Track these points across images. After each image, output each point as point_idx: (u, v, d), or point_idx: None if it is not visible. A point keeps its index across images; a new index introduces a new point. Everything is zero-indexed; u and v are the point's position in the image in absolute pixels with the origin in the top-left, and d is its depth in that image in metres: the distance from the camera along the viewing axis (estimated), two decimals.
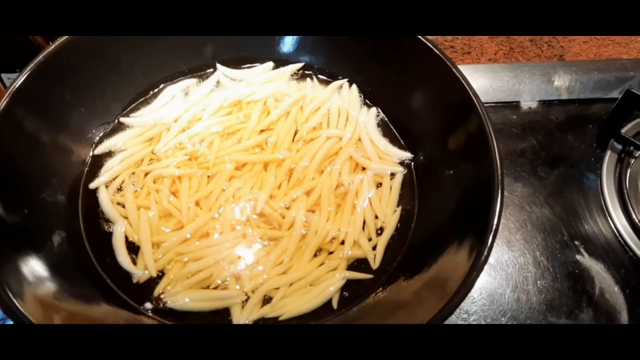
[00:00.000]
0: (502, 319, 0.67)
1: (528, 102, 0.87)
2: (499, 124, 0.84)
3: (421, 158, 0.68)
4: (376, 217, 0.64)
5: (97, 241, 0.61)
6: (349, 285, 0.60)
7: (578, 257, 0.72)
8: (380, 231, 0.64)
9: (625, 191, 0.75)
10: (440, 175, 0.64)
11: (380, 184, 0.67)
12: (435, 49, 0.63)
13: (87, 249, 0.60)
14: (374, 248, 0.62)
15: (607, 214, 0.75)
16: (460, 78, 0.61)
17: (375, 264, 0.61)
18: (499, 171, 0.53)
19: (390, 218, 0.64)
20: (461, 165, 0.61)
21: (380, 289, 0.59)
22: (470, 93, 0.58)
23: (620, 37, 1.00)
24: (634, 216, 0.73)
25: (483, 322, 0.67)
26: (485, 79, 0.88)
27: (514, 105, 0.87)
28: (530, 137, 0.84)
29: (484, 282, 0.70)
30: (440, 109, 0.65)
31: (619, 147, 0.80)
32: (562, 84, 0.88)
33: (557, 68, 0.90)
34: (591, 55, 0.97)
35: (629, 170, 0.78)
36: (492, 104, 0.85)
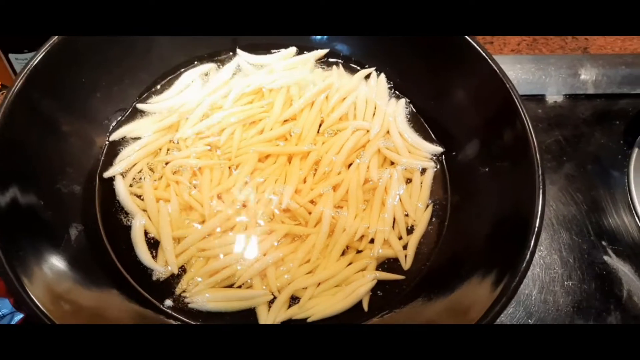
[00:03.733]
0: (529, 321, 0.66)
1: (554, 96, 0.84)
2: None
3: (453, 153, 0.65)
4: (406, 214, 0.62)
5: (115, 235, 0.58)
6: (380, 285, 0.57)
7: (605, 257, 0.70)
8: (410, 230, 0.61)
9: None
10: (474, 173, 0.61)
11: (410, 180, 0.64)
12: (471, 40, 0.61)
13: (105, 243, 0.57)
14: (405, 247, 0.60)
15: (634, 213, 0.74)
16: (499, 73, 0.58)
17: (407, 265, 0.59)
18: (541, 178, 0.51)
19: (422, 216, 0.62)
20: (497, 163, 0.59)
21: (414, 296, 0.56)
22: (514, 95, 0.55)
23: None
24: None
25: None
26: (511, 71, 0.84)
27: (539, 99, 0.84)
28: (556, 132, 0.81)
29: None
30: (476, 105, 0.62)
31: None
32: (588, 77, 0.86)
33: (583, 61, 0.87)
34: (616, 48, 0.95)
35: None
36: None
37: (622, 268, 0.70)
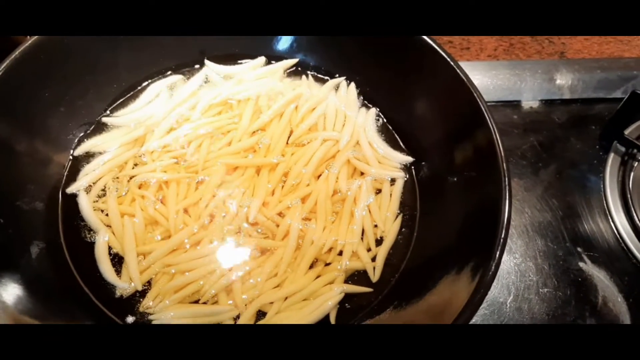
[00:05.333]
0: None
1: (529, 102, 0.84)
2: (500, 123, 0.80)
3: (423, 163, 0.65)
4: (375, 225, 0.61)
5: (79, 252, 0.57)
6: (348, 298, 0.57)
7: (581, 264, 0.70)
8: (380, 241, 0.61)
9: (628, 195, 0.73)
10: (443, 182, 0.60)
11: (380, 190, 0.63)
12: (438, 48, 0.60)
13: (67, 261, 0.56)
14: (374, 259, 0.59)
15: (610, 218, 0.73)
16: (467, 83, 0.57)
17: (375, 277, 0.58)
18: (507, 190, 0.51)
19: (391, 227, 0.61)
20: (465, 173, 0.58)
21: (384, 307, 0.55)
22: (481, 104, 0.55)
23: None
24: (637, 221, 0.70)
25: None
26: (486, 77, 0.84)
27: (514, 105, 0.84)
28: (531, 138, 0.81)
29: None
30: (444, 113, 0.61)
31: (622, 149, 0.78)
32: (564, 82, 0.86)
33: (559, 66, 0.87)
34: (593, 52, 0.95)
35: (632, 174, 0.76)
36: (493, 103, 0.82)
37: (598, 274, 0.69)
